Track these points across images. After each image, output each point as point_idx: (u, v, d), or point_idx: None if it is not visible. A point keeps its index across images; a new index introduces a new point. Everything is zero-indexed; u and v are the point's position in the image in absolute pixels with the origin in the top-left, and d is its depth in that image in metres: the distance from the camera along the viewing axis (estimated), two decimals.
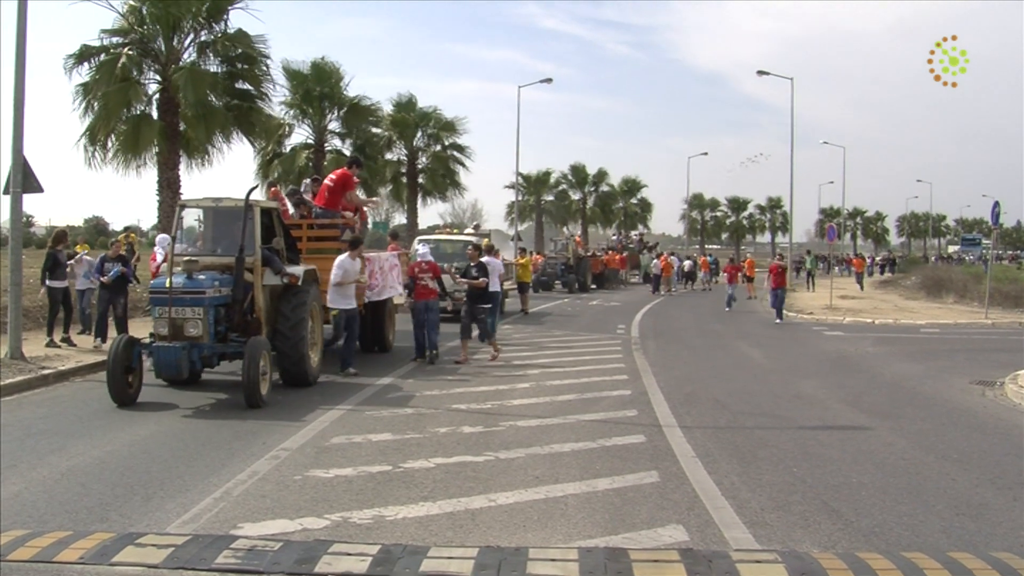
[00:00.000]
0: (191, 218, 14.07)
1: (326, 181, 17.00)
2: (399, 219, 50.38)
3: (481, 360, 16.73)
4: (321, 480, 8.10)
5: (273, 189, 17.54)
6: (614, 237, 66.95)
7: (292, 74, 37.69)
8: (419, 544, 6.28)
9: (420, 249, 18.12)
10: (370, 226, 41.61)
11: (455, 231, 29.56)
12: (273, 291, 13.36)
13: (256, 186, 11.47)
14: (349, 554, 5.97)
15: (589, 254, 49.51)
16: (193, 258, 12.60)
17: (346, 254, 14.99)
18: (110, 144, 26.64)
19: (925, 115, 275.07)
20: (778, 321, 28.41)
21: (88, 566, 5.76)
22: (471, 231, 30.74)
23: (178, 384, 13.00)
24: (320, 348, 14.46)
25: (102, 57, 26.13)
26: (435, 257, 18.76)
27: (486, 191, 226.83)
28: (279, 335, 13.08)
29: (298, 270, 13.64)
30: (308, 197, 17.03)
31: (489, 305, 17.93)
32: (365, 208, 18.22)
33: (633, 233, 70.04)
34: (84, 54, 26.05)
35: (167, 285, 11.92)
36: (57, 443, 9.50)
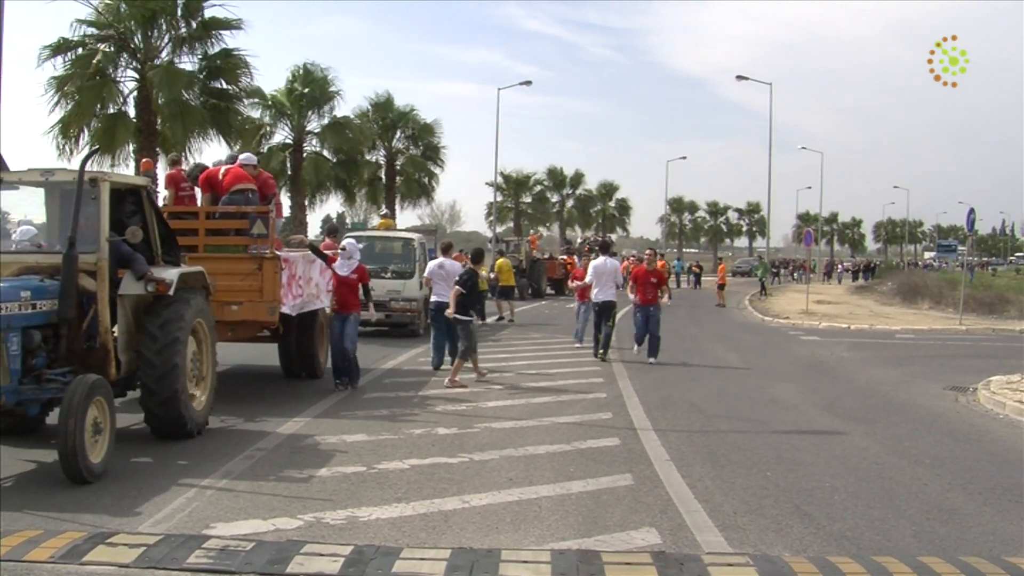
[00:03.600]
0: (16, 201, 10.00)
1: (242, 158, 13.49)
2: (376, 221, 50.19)
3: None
4: (295, 480, 8.07)
5: (146, 161, 13.33)
6: (579, 240, 61.03)
7: (281, 92, 37.74)
8: (392, 545, 6.28)
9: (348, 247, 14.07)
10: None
11: (386, 223, 25.94)
12: (139, 304, 9.57)
13: (96, 149, 7.72)
14: (322, 555, 5.97)
15: (546, 256, 46.21)
16: None
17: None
18: (83, 140, 26.65)
19: (903, 121, 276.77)
20: (651, 361, 17.83)
21: (59, 565, 5.74)
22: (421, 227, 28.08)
23: (9, 433, 9.10)
24: (210, 383, 10.50)
25: (79, 51, 26.13)
26: (366, 258, 16.13)
27: (465, 192, 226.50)
28: (144, 364, 9.34)
29: (171, 273, 9.73)
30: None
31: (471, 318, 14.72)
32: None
33: (585, 235, 66.92)
34: (61, 46, 26.12)
35: None
36: (28, 442, 9.40)
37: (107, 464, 8.13)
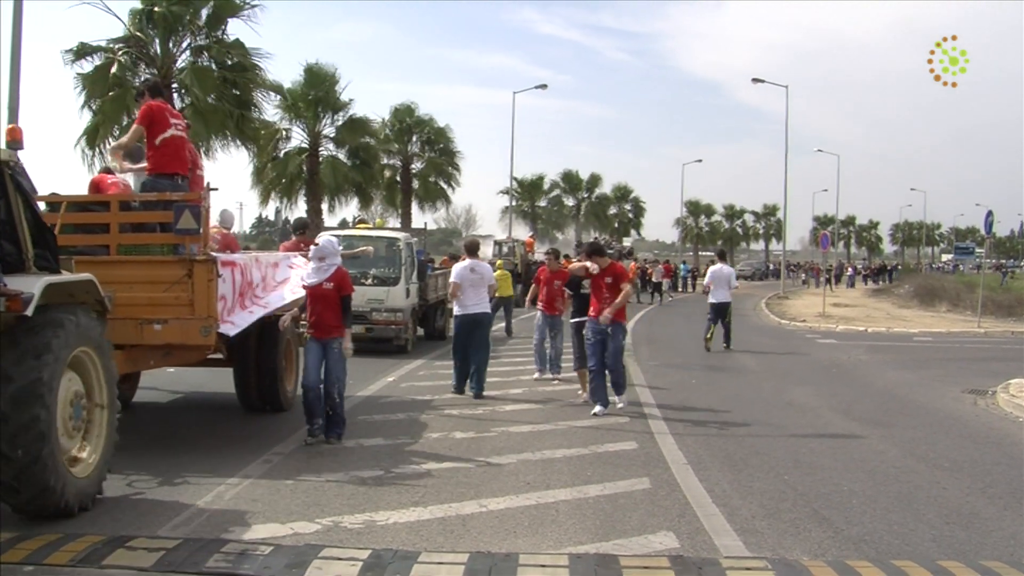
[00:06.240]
0: None
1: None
2: (392, 224, 50.30)
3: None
4: (312, 484, 8.09)
5: (13, 128, 10.08)
6: (575, 244, 56.69)
7: (289, 91, 37.80)
8: (410, 549, 6.28)
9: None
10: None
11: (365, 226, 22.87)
12: None
13: None
14: (339, 559, 5.98)
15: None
16: None
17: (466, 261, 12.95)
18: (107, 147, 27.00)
19: (919, 123, 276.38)
20: (616, 399, 12.22)
21: (78, 568, 5.77)
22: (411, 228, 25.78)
23: None
24: (105, 436, 7.49)
25: (100, 58, 26.55)
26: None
27: (480, 196, 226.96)
28: None
29: (37, 284, 6.65)
30: (115, 163, 10.43)
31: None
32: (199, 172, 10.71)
33: (590, 238, 65.60)
34: (82, 51, 26.54)
35: None
36: None
37: None
